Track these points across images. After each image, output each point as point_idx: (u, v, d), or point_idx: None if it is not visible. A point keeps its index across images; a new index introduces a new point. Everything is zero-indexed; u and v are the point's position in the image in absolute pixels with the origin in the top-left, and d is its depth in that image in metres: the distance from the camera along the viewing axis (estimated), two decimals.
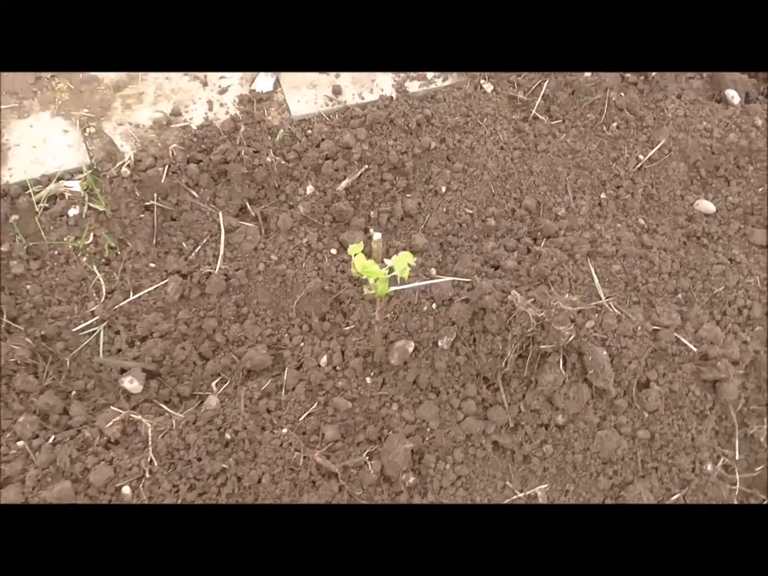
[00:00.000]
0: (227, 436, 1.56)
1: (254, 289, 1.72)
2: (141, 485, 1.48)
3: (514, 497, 1.57)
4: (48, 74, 1.87)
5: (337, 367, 1.64)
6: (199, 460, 1.53)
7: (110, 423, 1.57)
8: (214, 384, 1.63)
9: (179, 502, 1.50)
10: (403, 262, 1.30)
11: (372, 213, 1.82)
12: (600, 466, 1.60)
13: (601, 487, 1.59)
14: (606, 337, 1.64)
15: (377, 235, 1.26)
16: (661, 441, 1.62)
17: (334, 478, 1.53)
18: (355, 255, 1.24)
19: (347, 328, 1.69)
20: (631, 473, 1.61)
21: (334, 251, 1.77)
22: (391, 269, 1.32)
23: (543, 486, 1.58)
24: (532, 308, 1.55)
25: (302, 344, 1.67)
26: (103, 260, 1.71)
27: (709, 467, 1.63)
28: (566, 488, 1.59)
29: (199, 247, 1.75)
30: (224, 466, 1.53)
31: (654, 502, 1.63)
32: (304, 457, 1.54)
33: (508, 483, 1.58)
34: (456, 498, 1.55)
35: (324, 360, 1.65)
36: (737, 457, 1.67)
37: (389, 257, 1.78)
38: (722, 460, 1.66)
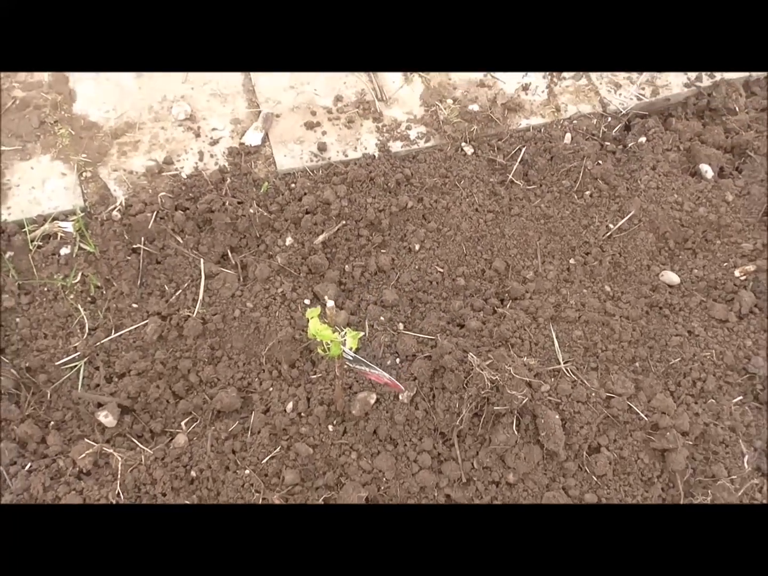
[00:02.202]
0: (192, 473, 1.65)
1: (229, 333, 1.80)
2: None
3: None
4: (52, 119, 1.99)
5: (302, 414, 1.72)
6: (164, 495, 1.61)
7: (83, 455, 1.66)
8: (184, 423, 1.72)
9: None
10: (354, 339, 1.37)
11: (347, 266, 1.91)
12: None
13: None
14: (560, 401, 1.71)
15: (330, 303, 1.34)
16: None
17: None
18: (311, 318, 1.33)
19: (314, 376, 1.77)
20: None
21: (307, 302, 1.85)
22: (344, 337, 1.39)
23: None
24: (488, 371, 1.63)
25: (271, 389, 1.76)
26: (89, 299, 1.81)
27: None
28: None
29: (180, 290, 1.84)
30: (187, 502, 1.61)
31: None
32: (263, 498, 1.62)
33: None
34: None
35: (290, 406, 1.73)
36: None
37: (361, 310, 1.87)
38: None
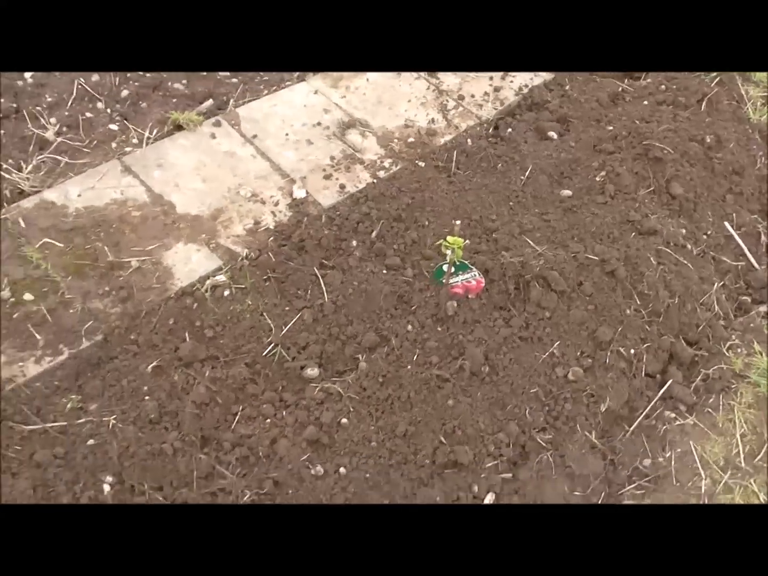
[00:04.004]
0: (380, 380, 2.60)
1: (350, 304, 2.79)
2: None
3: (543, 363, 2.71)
4: (169, 221, 2.88)
5: (419, 328, 2.75)
6: (364, 388, 2.55)
7: (314, 391, 2.54)
8: (361, 357, 2.65)
9: None
10: (459, 241, 2.48)
11: (394, 246, 2.99)
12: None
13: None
14: (555, 266, 2.91)
15: (457, 222, 2.45)
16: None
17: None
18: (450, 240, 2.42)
19: (413, 308, 2.81)
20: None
21: (384, 271, 2.90)
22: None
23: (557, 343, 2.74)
24: (515, 258, 2.80)
25: (392, 324, 2.76)
26: (259, 313, 2.71)
27: None
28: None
29: (309, 291, 2.80)
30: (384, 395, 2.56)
31: None
32: (438, 372, 2.61)
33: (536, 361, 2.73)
34: (511, 372, 2.68)
35: (409, 327, 2.75)
36: None
37: (411, 265, 2.94)
38: None
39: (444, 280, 2.71)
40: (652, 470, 2.52)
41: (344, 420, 2.47)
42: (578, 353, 2.73)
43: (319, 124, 3.37)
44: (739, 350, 2.86)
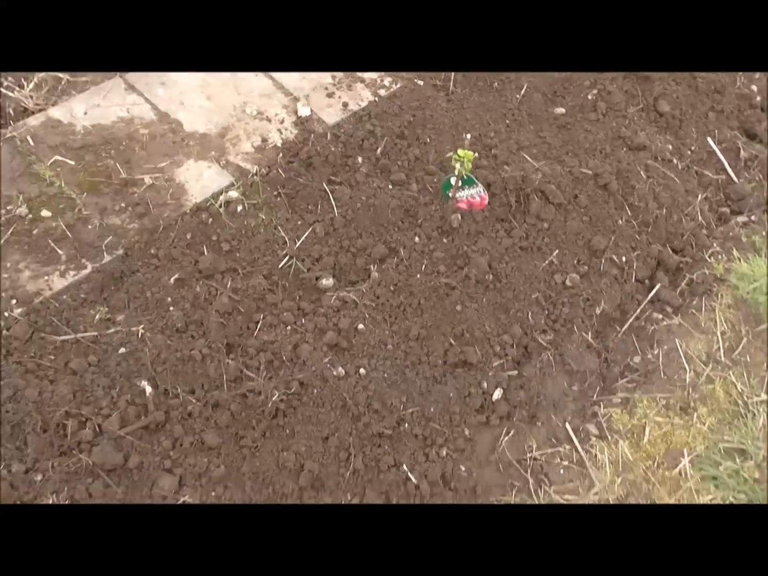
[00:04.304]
0: (392, 288, 2.75)
1: (359, 218, 2.90)
2: None
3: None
4: (179, 138, 2.93)
5: (425, 239, 2.88)
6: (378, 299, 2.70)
7: (332, 300, 2.68)
8: (373, 267, 2.78)
9: None
10: (469, 154, 2.60)
11: (398, 162, 3.09)
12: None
13: None
14: (552, 180, 3.06)
15: (468, 136, 2.56)
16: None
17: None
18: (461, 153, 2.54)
19: (419, 221, 2.94)
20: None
21: (390, 186, 3.01)
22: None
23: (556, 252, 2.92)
24: (517, 173, 2.93)
25: (400, 236, 2.89)
26: (273, 227, 2.81)
27: None
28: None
29: (319, 206, 2.90)
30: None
31: None
32: (443, 280, 2.77)
33: (536, 269, 2.90)
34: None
35: (416, 239, 2.88)
36: None
37: (416, 180, 3.05)
38: None
39: (450, 194, 2.83)
40: (642, 366, 2.74)
41: (360, 326, 2.62)
42: (575, 261, 2.91)
43: None
44: (719, 257, 3.08)
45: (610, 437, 2.53)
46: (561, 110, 3.40)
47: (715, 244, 3.12)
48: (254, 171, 2.89)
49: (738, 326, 2.88)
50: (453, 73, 3.43)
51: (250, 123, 3.06)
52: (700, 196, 3.23)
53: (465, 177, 2.75)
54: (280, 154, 2.97)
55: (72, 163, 2.78)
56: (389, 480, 2.32)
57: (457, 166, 2.69)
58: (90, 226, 2.65)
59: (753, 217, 3.27)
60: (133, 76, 3.08)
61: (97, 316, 2.50)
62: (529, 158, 3.11)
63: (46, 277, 2.54)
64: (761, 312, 2.89)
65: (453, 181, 2.80)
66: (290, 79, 3.24)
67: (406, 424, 2.45)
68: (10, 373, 2.30)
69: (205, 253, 2.69)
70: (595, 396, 2.68)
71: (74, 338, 2.44)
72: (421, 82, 3.37)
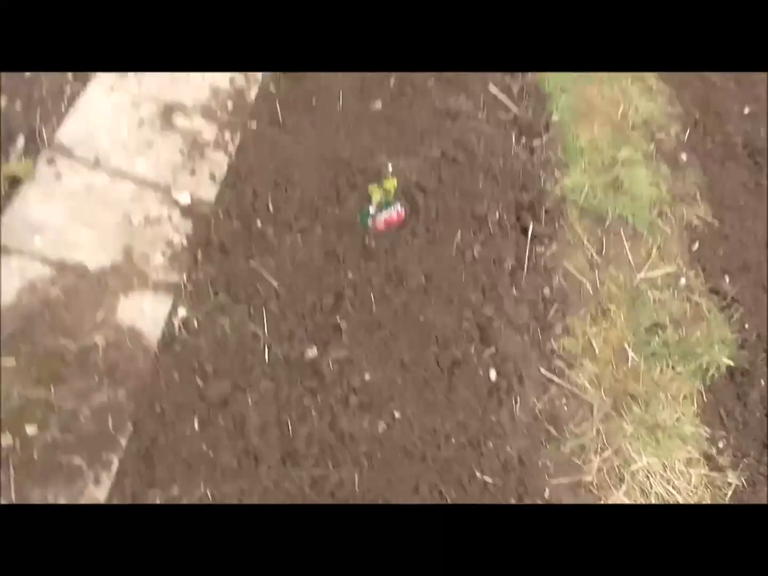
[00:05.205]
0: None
1: (298, 281, 3.01)
2: None
3: None
4: (92, 283, 2.69)
5: (359, 273, 3.11)
6: None
7: None
8: (338, 319, 2.96)
9: None
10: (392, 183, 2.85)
11: (293, 214, 3.19)
12: None
13: None
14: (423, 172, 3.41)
15: (389, 166, 2.79)
16: None
17: None
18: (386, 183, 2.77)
19: (343, 258, 3.14)
20: None
21: (299, 238, 3.13)
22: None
23: None
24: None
25: (335, 279, 3.08)
26: (236, 325, 2.81)
27: None
28: None
29: (257, 284, 2.94)
30: None
31: None
32: None
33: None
34: None
35: (350, 275, 3.10)
36: None
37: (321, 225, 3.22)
38: None
39: (369, 222, 3.07)
40: (555, 295, 3.39)
41: (367, 375, 2.85)
42: (471, 234, 3.38)
43: (141, 122, 3.20)
44: (551, 181, 3.77)
45: (576, 363, 3.16)
46: (378, 105, 3.70)
47: (541, 172, 3.78)
48: (183, 279, 2.82)
49: (594, 230, 3.64)
50: (276, 104, 3.50)
51: (146, 234, 2.91)
52: (513, 139, 3.84)
53: (384, 203, 3.01)
54: (195, 252, 2.91)
55: (13, 361, 2.46)
56: None
57: (377, 196, 2.93)
58: (83, 420, 2.44)
59: (545, 138, 3.98)
60: (4, 236, 2.69)
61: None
62: (387, 157, 3.41)
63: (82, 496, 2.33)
64: (602, 212, 3.67)
65: (372, 210, 3.03)
66: (146, 169, 3.07)
67: None
68: None
69: (199, 383, 2.65)
70: (540, 337, 3.26)
71: None
72: (254, 124, 3.41)
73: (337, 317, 2.96)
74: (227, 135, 3.31)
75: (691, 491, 2.96)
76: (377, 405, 2.80)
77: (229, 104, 3.41)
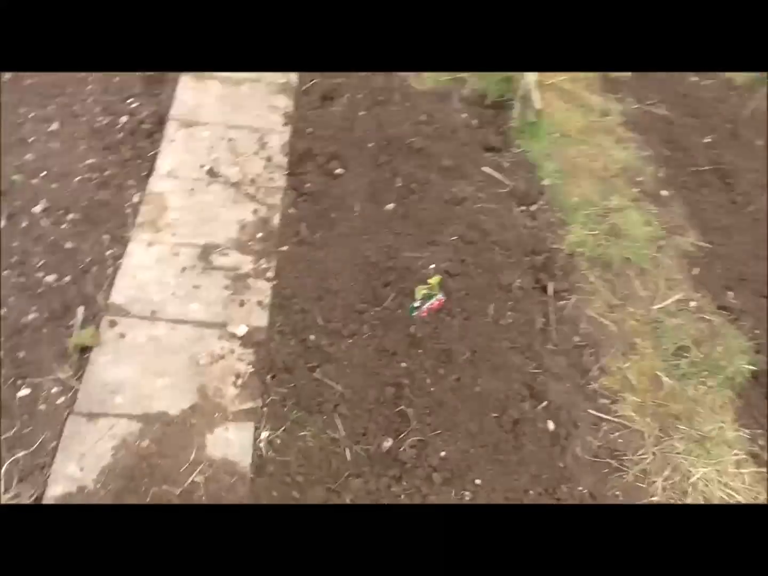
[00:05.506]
0: None
1: (357, 384, 3.26)
2: None
3: None
4: (178, 426, 2.92)
5: (413, 363, 3.37)
6: None
7: None
8: (405, 407, 3.21)
9: None
10: (437, 279, 3.15)
11: (332, 317, 3.48)
12: None
13: None
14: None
15: (431, 267, 3.09)
16: None
17: None
18: (431, 281, 3.07)
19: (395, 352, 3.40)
20: None
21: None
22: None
23: None
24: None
25: (393, 371, 3.34)
26: (314, 437, 3.04)
27: None
28: None
29: (323, 395, 3.19)
30: None
31: None
32: None
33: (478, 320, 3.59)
34: None
35: (402, 364, 3.36)
36: None
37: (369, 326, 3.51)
38: None
39: (416, 313, 3.37)
40: (584, 336, 3.67)
41: (443, 452, 3.08)
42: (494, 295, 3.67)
43: (184, 269, 3.51)
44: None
45: (618, 398, 3.41)
46: (390, 206, 4.03)
47: (547, 234, 4.10)
48: (259, 404, 3.06)
49: (605, 275, 3.95)
50: (303, 227, 3.81)
51: (214, 370, 3.16)
52: (515, 210, 4.18)
53: (428, 296, 3.31)
54: (263, 377, 3.16)
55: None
56: None
57: (421, 293, 3.24)
58: None
59: (541, 202, 4.28)
60: (76, 416, 2.92)
61: None
62: (410, 251, 3.73)
63: None
64: (608, 258, 3.99)
65: (417, 303, 3.33)
66: (200, 313, 3.35)
67: None
68: None
69: (295, 495, 2.86)
70: (581, 381, 3.52)
71: None
72: (285, 247, 3.71)
73: (402, 405, 3.21)
74: (263, 262, 3.61)
75: (748, 489, 3.18)
76: (458, 477, 3.02)
77: (258, 234, 3.73)
